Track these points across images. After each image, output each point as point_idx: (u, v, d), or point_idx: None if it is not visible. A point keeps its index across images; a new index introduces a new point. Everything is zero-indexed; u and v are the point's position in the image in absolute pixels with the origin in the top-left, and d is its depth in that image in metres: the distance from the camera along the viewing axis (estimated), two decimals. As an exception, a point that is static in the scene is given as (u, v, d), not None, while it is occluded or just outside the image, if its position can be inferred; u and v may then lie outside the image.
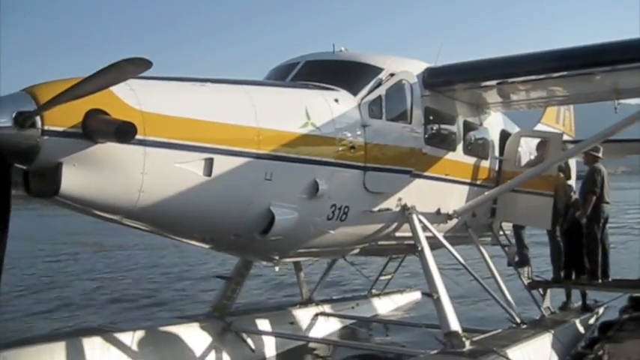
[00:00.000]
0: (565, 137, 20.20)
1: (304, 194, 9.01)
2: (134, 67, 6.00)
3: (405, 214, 10.71)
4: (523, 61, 11.10)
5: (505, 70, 11.18)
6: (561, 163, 13.60)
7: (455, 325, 9.91)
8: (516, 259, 14.19)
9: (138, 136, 6.77)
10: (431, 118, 11.45)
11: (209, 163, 7.78)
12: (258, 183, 8.36)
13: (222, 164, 7.89)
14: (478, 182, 12.86)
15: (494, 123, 13.63)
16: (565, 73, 10.81)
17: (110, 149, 6.78)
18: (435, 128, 11.75)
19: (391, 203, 10.48)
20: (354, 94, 10.00)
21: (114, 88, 6.68)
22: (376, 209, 10.22)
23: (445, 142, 12.00)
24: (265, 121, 8.39)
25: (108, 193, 7.07)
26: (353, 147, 9.57)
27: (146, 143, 7.09)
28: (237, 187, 8.19)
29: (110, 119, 6.66)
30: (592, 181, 13.29)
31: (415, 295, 17.95)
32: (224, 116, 8.01)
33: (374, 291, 17.03)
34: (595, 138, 12.08)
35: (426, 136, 11.18)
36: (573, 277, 13.97)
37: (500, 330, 11.67)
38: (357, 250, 11.53)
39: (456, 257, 11.40)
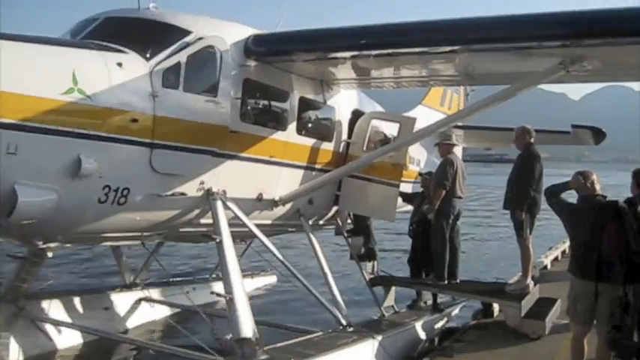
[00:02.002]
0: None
1: (64, 172, 7.60)
2: None
3: (209, 199, 9.36)
4: (369, 32, 9.49)
5: (340, 42, 9.74)
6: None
7: (247, 331, 8.68)
8: (362, 251, 13.03)
9: None
10: (252, 92, 10.09)
11: None
12: None
13: None
14: (317, 166, 11.57)
15: (343, 102, 12.29)
16: (414, 49, 9.38)
17: None
18: (257, 104, 10.39)
19: (189, 187, 9.11)
20: (148, 58, 8.55)
21: None
22: (168, 193, 8.84)
23: (271, 120, 10.63)
24: (10, 84, 6.96)
25: None
26: (135, 120, 8.15)
27: None
28: None
29: None
30: (443, 174, 12.14)
31: (270, 280, 16.81)
32: None
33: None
34: (437, 125, 10.90)
35: (243, 112, 9.83)
36: (424, 275, 12.85)
37: (319, 334, 10.49)
38: (156, 237, 10.19)
39: (271, 250, 10.30)
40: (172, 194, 8.88)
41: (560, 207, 8.62)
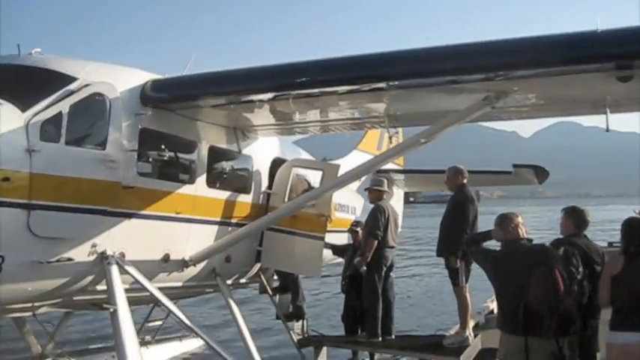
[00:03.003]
0: (392, 166, 18.60)
1: None
2: None
3: (103, 263, 8.37)
4: (283, 72, 8.69)
5: (253, 84, 8.82)
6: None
7: None
8: (290, 310, 12.09)
9: None
10: (151, 143, 9.21)
11: None
12: None
13: None
14: (233, 221, 10.62)
15: (261, 150, 11.45)
16: (336, 89, 8.48)
17: None
18: (158, 156, 9.48)
19: (78, 251, 8.11)
20: (24, 109, 7.60)
21: None
22: (52, 259, 7.82)
23: (175, 173, 9.74)
24: None
25: None
26: (7, 179, 7.18)
27: None
28: None
29: None
30: (374, 222, 11.30)
31: (199, 342, 15.55)
32: None
33: (147, 338, 14.45)
34: (358, 170, 10.10)
35: (140, 165, 8.93)
36: (360, 332, 11.89)
37: None
38: (47, 307, 9.13)
39: (177, 315, 9.26)
40: (58, 260, 7.89)
41: (482, 256, 7.81)
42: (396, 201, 18.78)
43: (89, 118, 8.31)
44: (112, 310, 8.12)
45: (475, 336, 10.98)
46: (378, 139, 18.37)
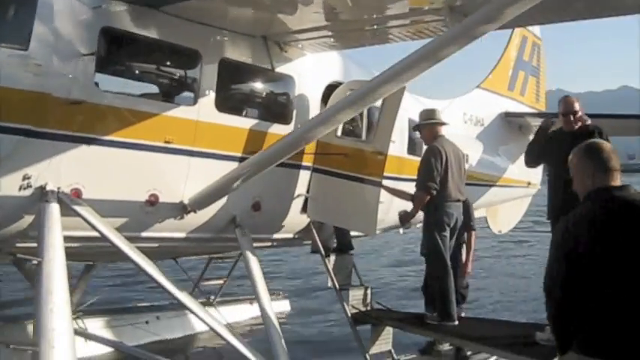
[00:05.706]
0: (527, 109, 15.67)
1: None
2: None
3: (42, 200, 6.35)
4: None
5: None
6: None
7: None
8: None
9: None
10: (120, 47, 7.13)
11: None
12: None
13: None
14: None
15: (309, 70, 8.84)
16: None
17: None
18: (134, 66, 7.37)
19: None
20: None
21: None
22: None
23: (161, 90, 7.59)
24: None
25: None
26: None
27: None
28: None
29: None
30: (425, 171, 8.46)
31: (280, 305, 13.07)
32: None
33: (212, 297, 12.41)
34: (374, 84, 7.17)
35: (103, 75, 6.84)
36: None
37: None
38: None
39: (158, 281, 7.02)
40: None
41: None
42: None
43: (10, 9, 6.35)
44: (35, 262, 6.09)
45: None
46: (509, 78, 15.24)
